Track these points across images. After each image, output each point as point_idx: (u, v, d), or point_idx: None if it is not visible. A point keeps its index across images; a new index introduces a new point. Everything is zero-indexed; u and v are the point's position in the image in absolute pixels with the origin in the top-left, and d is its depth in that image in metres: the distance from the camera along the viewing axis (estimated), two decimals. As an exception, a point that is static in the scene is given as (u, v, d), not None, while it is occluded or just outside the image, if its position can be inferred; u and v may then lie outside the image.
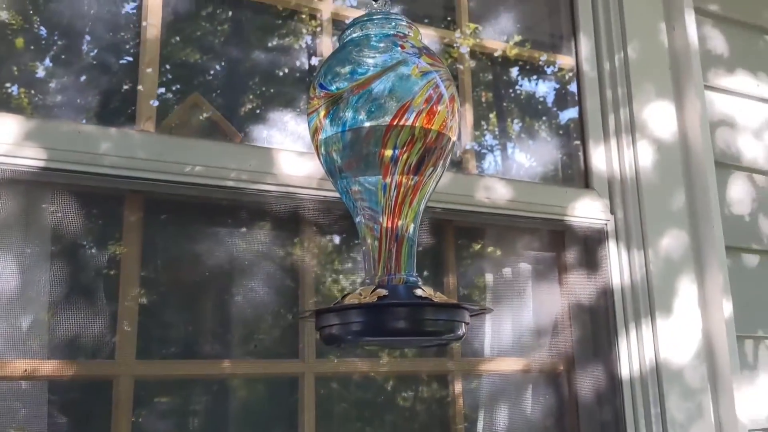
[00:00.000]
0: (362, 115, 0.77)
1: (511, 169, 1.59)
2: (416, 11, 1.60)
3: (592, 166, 1.51)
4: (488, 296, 1.45)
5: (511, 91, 1.68)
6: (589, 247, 1.48)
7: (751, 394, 1.50)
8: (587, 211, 1.46)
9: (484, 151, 1.59)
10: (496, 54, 1.62)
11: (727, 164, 1.63)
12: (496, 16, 1.65)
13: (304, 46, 1.39)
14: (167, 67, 1.28)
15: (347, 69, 0.79)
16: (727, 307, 1.46)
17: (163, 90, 1.27)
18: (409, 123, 0.76)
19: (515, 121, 1.68)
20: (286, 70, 1.41)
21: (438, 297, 0.75)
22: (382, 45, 0.80)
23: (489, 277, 1.48)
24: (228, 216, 1.24)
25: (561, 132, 1.65)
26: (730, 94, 1.69)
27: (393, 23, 0.82)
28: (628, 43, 1.57)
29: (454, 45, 1.55)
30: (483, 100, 1.64)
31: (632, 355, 1.42)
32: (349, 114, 0.77)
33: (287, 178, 1.17)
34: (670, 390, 1.41)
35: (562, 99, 1.67)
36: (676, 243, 1.49)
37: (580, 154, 1.54)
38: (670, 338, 1.43)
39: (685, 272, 1.49)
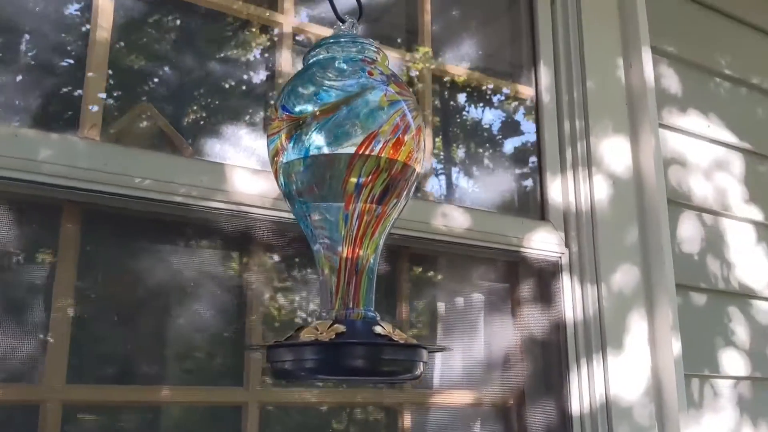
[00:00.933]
0: (326, 142, 0.72)
1: (468, 197, 1.57)
2: (378, 32, 1.57)
3: (548, 198, 1.51)
4: (440, 326, 1.42)
5: (471, 118, 1.66)
6: (544, 279, 1.46)
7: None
8: (543, 243, 1.45)
9: (442, 177, 1.57)
10: (457, 80, 1.60)
11: (679, 202, 1.64)
12: (458, 42, 1.63)
13: (262, 59, 1.34)
14: (116, 72, 1.22)
15: (311, 91, 0.75)
16: (676, 346, 1.46)
17: (109, 97, 1.20)
18: (375, 152, 0.73)
19: (475, 148, 1.67)
20: (243, 83, 1.35)
21: (397, 334, 0.71)
22: (349, 69, 0.76)
23: (441, 306, 1.45)
24: (175, 233, 1.18)
25: (519, 162, 1.64)
26: (682, 133, 1.71)
27: (360, 47, 0.79)
28: (587, 76, 1.57)
29: (416, 69, 1.52)
30: (449, 127, 1.62)
31: (583, 390, 1.41)
32: (312, 139, 0.73)
33: (240, 196, 1.11)
34: (619, 427, 1.40)
35: (521, 129, 1.66)
36: (628, 279, 1.49)
37: (537, 185, 1.53)
38: (620, 375, 1.42)
39: (636, 309, 1.49)
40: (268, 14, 1.34)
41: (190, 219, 1.14)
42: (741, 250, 1.73)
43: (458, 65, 1.60)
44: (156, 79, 1.26)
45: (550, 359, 1.44)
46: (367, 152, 0.72)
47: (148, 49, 1.25)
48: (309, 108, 0.73)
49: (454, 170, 1.61)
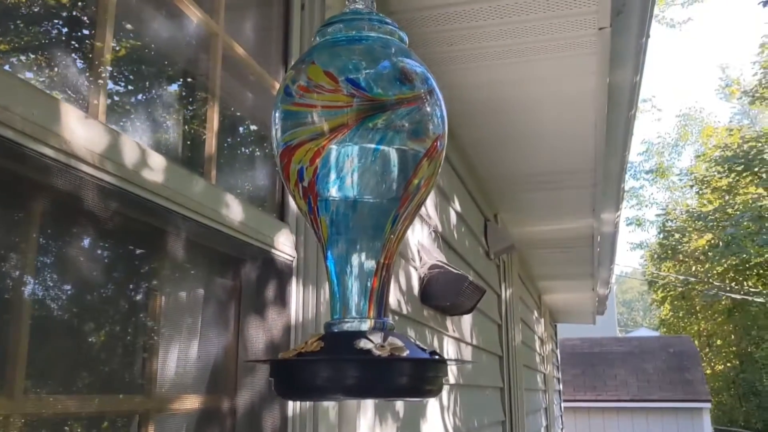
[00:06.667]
0: (407, 135, 0.66)
1: (233, 188, 1.44)
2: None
3: (288, 200, 1.51)
4: (186, 322, 1.28)
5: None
6: (281, 281, 1.46)
7: (365, 424, 1.69)
8: (282, 245, 1.45)
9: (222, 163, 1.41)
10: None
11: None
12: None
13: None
14: None
15: (389, 73, 0.67)
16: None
17: None
18: (436, 155, 0.69)
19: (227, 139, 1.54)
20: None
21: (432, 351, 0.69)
22: (412, 57, 0.70)
23: (184, 298, 1.31)
24: None
25: (267, 158, 1.58)
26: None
27: (398, 33, 0.73)
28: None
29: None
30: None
31: (298, 392, 1.45)
32: (389, 128, 0.65)
33: (74, 146, 0.84)
34: (321, 424, 1.48)
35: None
36: (335, 287, 1.60)
37: (279, 185, 1.52)
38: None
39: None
40: None
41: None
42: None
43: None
44: None
45: (279, 361, 1.43)
46: (433, 153, 0.69)
47: None
48: (391, 92, 0.65)
49: (228, 159, 1.46)
